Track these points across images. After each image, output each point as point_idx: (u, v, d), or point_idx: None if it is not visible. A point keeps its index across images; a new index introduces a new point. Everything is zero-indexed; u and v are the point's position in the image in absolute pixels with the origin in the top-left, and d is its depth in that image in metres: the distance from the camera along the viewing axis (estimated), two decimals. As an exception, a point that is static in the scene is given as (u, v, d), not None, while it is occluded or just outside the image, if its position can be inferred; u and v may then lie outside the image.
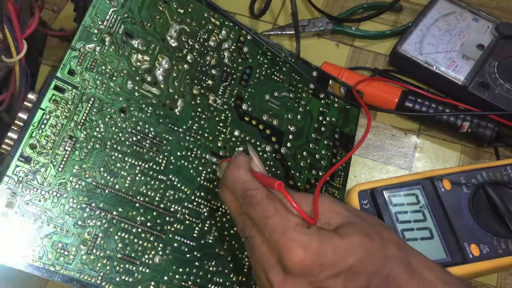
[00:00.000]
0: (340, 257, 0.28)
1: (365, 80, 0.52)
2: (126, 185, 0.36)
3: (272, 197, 0.31)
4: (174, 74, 0.40)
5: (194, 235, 0.38)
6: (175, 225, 0.38)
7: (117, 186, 0.36)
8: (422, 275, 0.30)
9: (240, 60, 0.44)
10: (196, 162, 0.39)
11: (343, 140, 0.48)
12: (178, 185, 0.38)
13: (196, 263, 0.38)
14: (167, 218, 0.37)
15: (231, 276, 0.39)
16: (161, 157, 0.38)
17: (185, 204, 0.38)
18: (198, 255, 0.38)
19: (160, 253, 0.37)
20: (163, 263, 0.37)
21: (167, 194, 0.38)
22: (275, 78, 0.46)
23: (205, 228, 0.39)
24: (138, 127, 0.37)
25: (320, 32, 0.58)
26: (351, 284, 0.29)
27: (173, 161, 0.38)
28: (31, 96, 0.34)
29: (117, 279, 0.35)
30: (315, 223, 0.30)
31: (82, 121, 0.35)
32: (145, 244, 0.36)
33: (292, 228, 0.29)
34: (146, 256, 0.36)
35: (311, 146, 0.46)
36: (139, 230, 0.36)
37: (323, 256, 0.28)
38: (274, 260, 0.29)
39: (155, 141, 0.38)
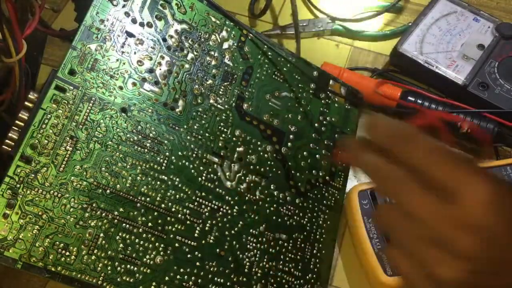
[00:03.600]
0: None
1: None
2: (127, 185, 0.36)
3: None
4: (175, 74, 0.40)
5: (195, 235, 0.38)
6: (176, 226, 0.38)
7: (118, 186, 0.36)
8: None
9: (241, 60, 0.44)
10: (197, 162, 0.39)
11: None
12: (179, 185, 0.38)
13: (197, 264, 0.38)
14: (168, 219, 0.37)
15: (232, 276, 0.39)
16: (162, 157, 0.38)
17: (186, 204, 0.38)
18: (199, 255, 0.38)
19: (161, 253, 0.37)
20: (164, 264, 0.37)
21: (168, 194, 0.38)
22: (276, 78, 0.45)
23: (206, 229, 0.39)
24: (139, 127, 0.37)
25: (320, 32, 0.58)
26: None
27: (174, 161, 0.38)
28: (32, 96, 0.34)
29: (118, 279, 0.35)
30: None
31: (83, 121, 0.35)
32: (146, 244, 0.36)
33: (467, 161, 0.26)
34: (147, 257, 0.36)
35: (311, 146, 0.46)
36: (140, 230, 0.36)
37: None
38: (439, 198, 0.25)
39: (156, 141, 0.38)
